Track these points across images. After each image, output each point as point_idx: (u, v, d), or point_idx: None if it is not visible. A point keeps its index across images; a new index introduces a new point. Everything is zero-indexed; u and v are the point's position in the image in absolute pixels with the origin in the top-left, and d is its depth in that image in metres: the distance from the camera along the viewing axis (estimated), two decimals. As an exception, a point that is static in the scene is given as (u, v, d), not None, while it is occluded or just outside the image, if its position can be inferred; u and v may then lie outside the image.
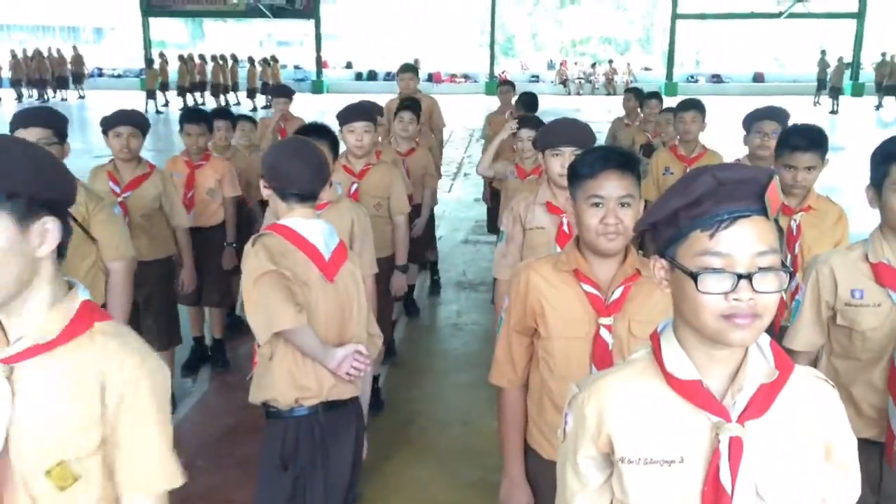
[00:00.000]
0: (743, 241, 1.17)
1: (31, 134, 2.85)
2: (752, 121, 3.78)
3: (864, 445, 2.15)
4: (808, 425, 1.28)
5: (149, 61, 23.41)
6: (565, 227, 2.93)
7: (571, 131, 3.01)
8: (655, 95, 6.33)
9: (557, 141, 2.99)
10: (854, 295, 2.18)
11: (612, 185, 1.95)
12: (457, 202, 10.02)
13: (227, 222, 4.81)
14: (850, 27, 26.72)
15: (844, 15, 26.77)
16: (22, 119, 2.98)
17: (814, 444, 1.29)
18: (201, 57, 24.17)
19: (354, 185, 3.97)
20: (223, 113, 5.44)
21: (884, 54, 22.32)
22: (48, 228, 1.31)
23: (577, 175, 2.01)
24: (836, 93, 22.30)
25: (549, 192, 3.03)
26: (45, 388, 1.34)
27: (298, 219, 2.35)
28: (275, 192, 2.36)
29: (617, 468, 1.31)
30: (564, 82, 29.15)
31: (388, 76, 28.73)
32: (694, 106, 4.74)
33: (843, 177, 7.89)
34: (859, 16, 26.33)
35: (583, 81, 28.95)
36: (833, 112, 21.68)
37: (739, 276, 1.16)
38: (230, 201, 4.82)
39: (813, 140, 2.96)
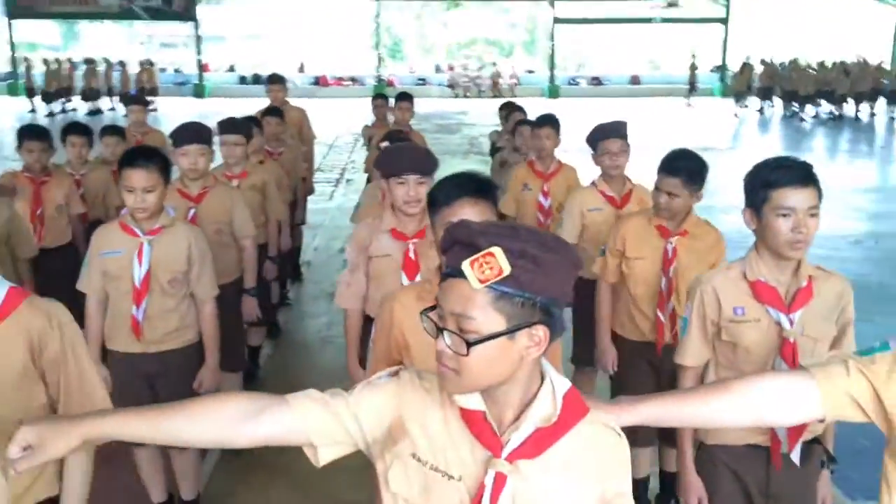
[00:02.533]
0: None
1: None
2: (597, 140, 3.86)
3: (752, 450, 2.34)
4: (584, 474, 1.32)
5: None
6: (411, 254, 2.87)
7: (412, 158, 2.93)
8: (518, 108, 6.43)
9: (400, 168, 2.87)
10: (736, 312, 2.30)
11: (467, 213, 1.96)
12: (338, 209, 9.85)
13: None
14: (718, 32, 28.24)
15: (712, 20, 28.24)
16: None
17: (588, 494, 1.33)
18: (70, 61, 22.97)
19: (192, 210, 3.79)
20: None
21: (748, 58, 23.62)
22: None
23: (433, 203, 2.06)
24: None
25: (393, 218, 2.94)
26: None
27: None
28: None
29: (402, 460, 1.35)
30: (452, 86, 29.43)
31: (273, 80, 28.17)
32: (548, 122, 4.71)
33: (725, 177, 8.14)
34: (725, 21, 27.86)
35: (469, 84, 29.31)
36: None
37: None
38: (76, 218, 4.65)
39: (679, 168, 3.09)
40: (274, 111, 5.86)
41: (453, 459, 1.32)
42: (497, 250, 1.21)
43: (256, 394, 1.41)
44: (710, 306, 2.37)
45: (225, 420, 1.36)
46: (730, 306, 2.32)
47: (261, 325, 4.73)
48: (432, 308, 1.30)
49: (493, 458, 1.29)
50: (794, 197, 2.15)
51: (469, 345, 1.22)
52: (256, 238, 4.19)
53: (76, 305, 4.52)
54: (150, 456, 3.24)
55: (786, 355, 2.26)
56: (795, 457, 2.32)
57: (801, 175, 2.17)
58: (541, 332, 1.25)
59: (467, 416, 1.32)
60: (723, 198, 7.02)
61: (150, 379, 3.15)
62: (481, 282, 1.21)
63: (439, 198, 2.05)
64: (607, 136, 3.83)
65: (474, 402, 1.31)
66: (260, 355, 5.03)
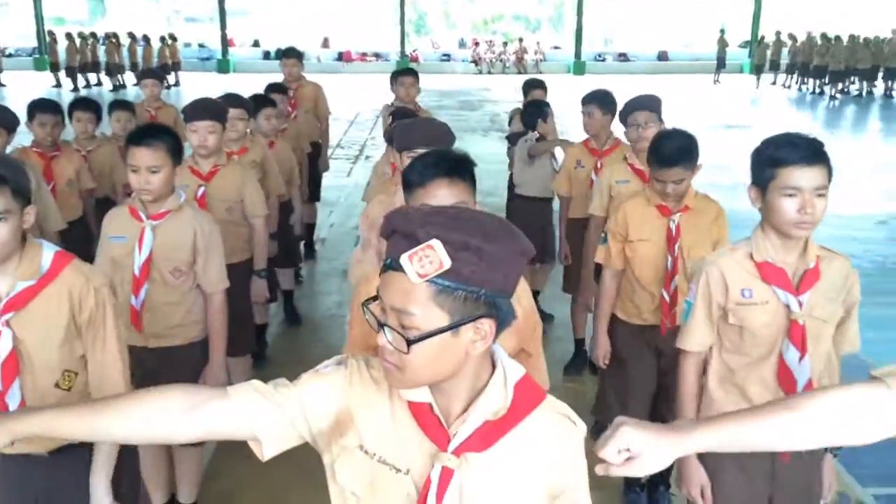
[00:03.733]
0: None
1: None
2: (626, 113, 3.89)
3: None
4: (534, 467, 1.28)
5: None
6: None
7: (427, 132, 2.76)
8: (540, 85, 6.27)
9: (414, 142, 2.68)
10: (744, 294, 2.23)
11: (442, 195, 1.87)
12: (355, 186, 9.79)
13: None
14: (749, 6, 27.60)
15: (743, -6, 27.65)
16: None
17: (536, 487, 1.29)
18: (93, 35, 23.04)
19: (202, 189, 3.72)
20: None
21: (778, 33, 23.11)
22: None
23: (408, 184, 1.95)
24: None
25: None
26: None
27: None
28: None
29: (349, 452, 1.31)
30: (476, 62, 29.17)
31: (297, 55, 28.09)
32: (593, 100, 4.49)
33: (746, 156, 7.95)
34: (756, -4, 27.26)
35: (494, 60, 29.02)
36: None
37: None
38: (87, 193, 4.68)
39: (679, 155, 3.01)
40: (278, 87, 5.79)
41: (401, 452, 1.28)
42: (437, 243, 1.14)
43: (195, 387, 1.36)
44: (717, 289, 2.28)
45: (162, 415, 1.30)
46: (737, 289, 2.24)
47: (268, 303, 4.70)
48: (375, 298, 1.23)
49: (439, 451, 1.25)
50: (801, 176, 2.06)
51: (409, 342, 1.17)
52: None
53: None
54: (153, 457, 3.15)
55: (794, 338, 2.20)
56: None
57: (809, 153, 2.07)
58: (486, 325, 1.19)
59: (414, 409, 1.27)
60: (739, 175, 6.84)
61: (152, 376, 3.05)
62: (420, 276, 1.15)
63: (413, 178, 1.92)
64: (635, 109, 3.84)
65: (421, 394, 1.27)
66: (267, 333, 5.02)
